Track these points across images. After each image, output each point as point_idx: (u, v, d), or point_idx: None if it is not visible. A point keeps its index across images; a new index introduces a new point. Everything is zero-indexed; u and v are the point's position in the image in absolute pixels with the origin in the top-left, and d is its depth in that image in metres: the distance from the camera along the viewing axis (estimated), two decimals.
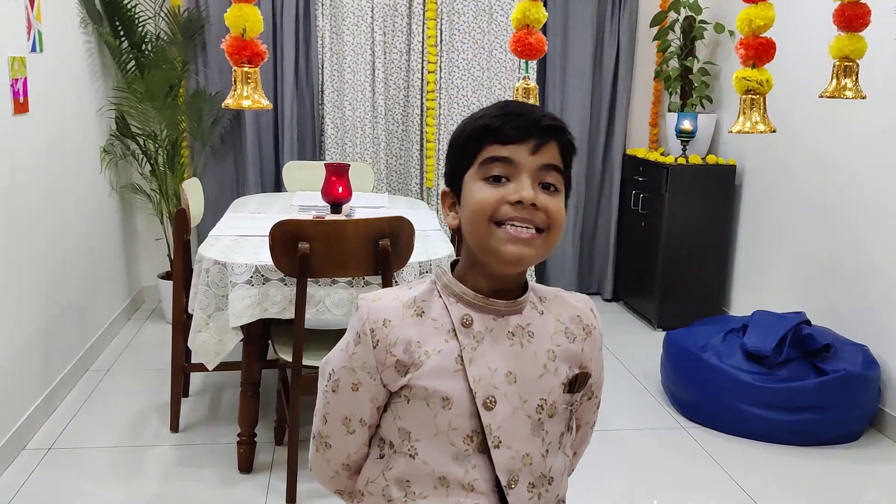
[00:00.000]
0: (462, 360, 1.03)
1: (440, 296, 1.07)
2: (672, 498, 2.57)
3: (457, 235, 1.11)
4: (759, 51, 1.64)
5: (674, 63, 4.33)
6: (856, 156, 3.20)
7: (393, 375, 1.05)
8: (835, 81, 1.72)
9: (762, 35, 1.64)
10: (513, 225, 1.00)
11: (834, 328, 3.20)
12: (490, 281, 1.05)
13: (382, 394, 1.07)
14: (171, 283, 3.94)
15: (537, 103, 1.43)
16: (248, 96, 1.60)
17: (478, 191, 1.01)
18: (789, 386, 2.88)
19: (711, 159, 4.12)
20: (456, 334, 1.04)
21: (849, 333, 3.16)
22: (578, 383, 1.10)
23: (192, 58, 4.16)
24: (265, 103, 1.60)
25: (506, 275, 1.05)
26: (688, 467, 2.77)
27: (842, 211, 3.29)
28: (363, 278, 2.47)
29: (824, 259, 3.41)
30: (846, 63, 1.70)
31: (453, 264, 1.12)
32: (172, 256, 4.08)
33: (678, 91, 4.32)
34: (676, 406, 3.21)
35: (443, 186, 1.10)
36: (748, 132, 1.70)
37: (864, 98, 1.69)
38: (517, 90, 1.45)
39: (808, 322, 3.08)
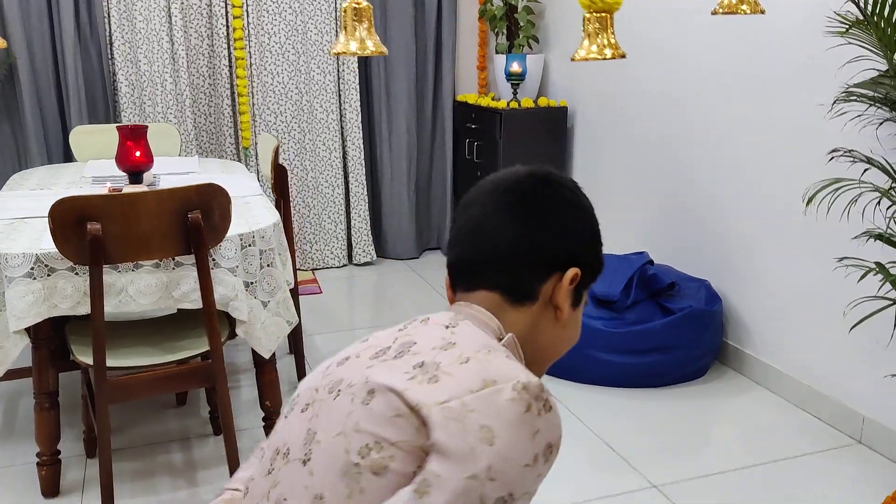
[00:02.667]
0: None
1: None
2: None
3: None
4: None
5: (498, 1, 4.14)
6: (687, 93, 3.17)
7: None
8: None
9: None
10: None
11: (675, 266, 3.20)
12: None
13: None
14: None
15: (373, 31, 1.13)
16: None
17: (579, 319, 1.01)
18: (638, 329, 2.83)
19: (543, 102, 4.01)
20: None
21: (689, 270, 3.17)
22: None
23: None
24: None
25: None
26: None
27: (674, 148, 3.26)
28: (173, 259, 2.10)
29: (660, 197, 3.39)
30: None
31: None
32: None
33: (504, 31, 4.16)
34: None
35: (573, 269, 0.95)
36: (595, 58, 1.49)
37: (762, 12, 1.54)
38: (346, 11, 1.12)
39: (651, 262, 3.04)
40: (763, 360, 2.88)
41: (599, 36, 1.30)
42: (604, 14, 1.26)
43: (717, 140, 3.00)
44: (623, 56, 1.35)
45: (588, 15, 1.28)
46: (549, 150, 3.99)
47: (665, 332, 2.83)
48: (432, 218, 4.57)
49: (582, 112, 3.93)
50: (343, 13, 1.10)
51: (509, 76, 3.94)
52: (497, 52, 4.21)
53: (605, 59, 1.28)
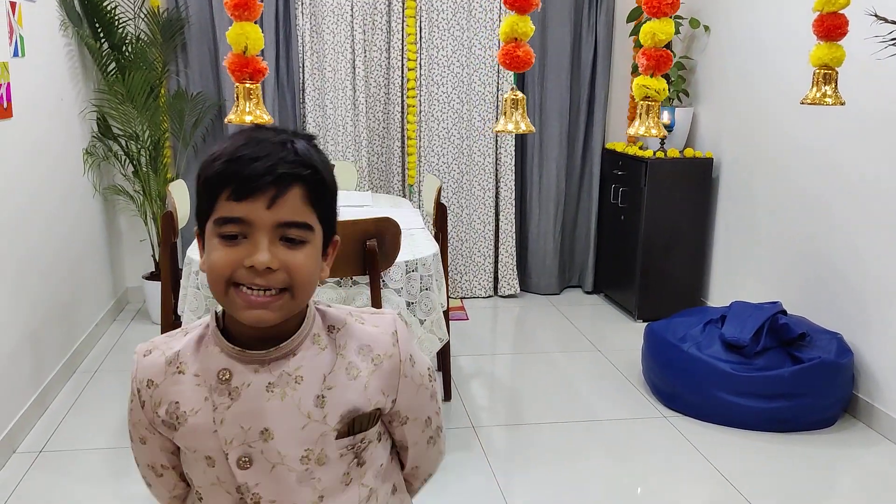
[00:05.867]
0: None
1: (211, 342, 1.02)
2: (655, 485, 2.65)
3: None
4: (659, 62, 1.73)
5: None
6: (830, 148, 3.29)
7: (166, 431, 1.03)
8: (815, 89, 1.79)
9: (661, 48, 1.74)
10: (249, 288, 0.93)
11: (809, 317, 3.30)
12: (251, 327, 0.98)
13: (170, 444, 1.06)
14: (155, 283, 3.97)
15: (525, 115, 1.48)
16: (251, 111, 1.64)
17: (213, 250, 0.94)
18: (766, 374, 2.96)
19: (689, 153, 4.20)
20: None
21: (823, 322, 3.26)
22: (361, 423, 1.03)
23: (173, 58, 4.17)
24: (266, 118, 1.65)
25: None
26: (669, 455, 2.85)
27: (816, 202, 3.38)
28: (351, 278, 2.51)
29: (799, 249, 3.50)
30: (826, 71, 1.77)
31: None
32: (159, 258, 4.10)
33: None
34: (658, 395, 3.29)
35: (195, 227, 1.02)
36: (643, 135, 1.79)
37: (843, 104, 1.77)
38: (506, 101, 1.50)
39: (783, 312, 3.17)
40: (892, 416, 2.93)
41: (648, 119, 1.59)
42: (653, 102, 1.56)
43: (856, 197, 3.11)
44: (663, 137, 1.63)
45: (640, 102, 1.58)
46: (692, 198, 4.17)
47: (793, 380, 2.95)
48: (575, 257, 4.83)
49: (728, 163, 4.09)
50: (504, 102, 1.45)
51: None
52: None
53: (651, 136, 1.56)
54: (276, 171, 0.91)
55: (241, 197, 0.91)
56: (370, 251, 2.40)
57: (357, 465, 1.05)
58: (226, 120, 1.70)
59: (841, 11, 1.79)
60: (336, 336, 1.04)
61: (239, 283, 0.93)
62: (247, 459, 1.00)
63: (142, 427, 1.06)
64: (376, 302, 2.45)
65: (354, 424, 1.02)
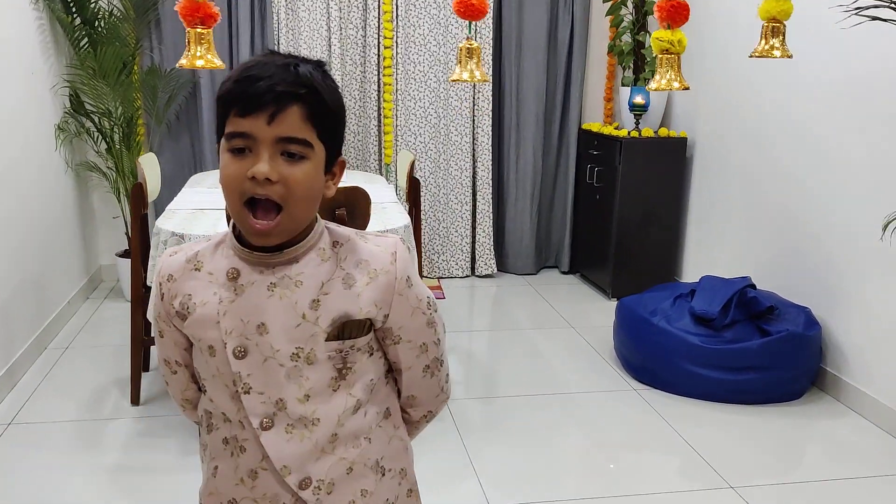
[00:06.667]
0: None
1: (227, 246, 1.12)
2: (625, 456, 2.67)
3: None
4: (672, 13, 1.73)
5: (627, 38, 4.41)
6: (802, 127, 3.32)
7: (178, 322, 1.13)
8: (763, 41, 1.81)
9: None
10: (256, 216, 1.02)
11: (778, 292, 3.33)
12: None
13: (183, 338, 1.16)
14: (129, 261, 3.94)
15: (480, 63, 1.48)
16: (202, 56, 1.65)
17: (225, 164, 1.03)
18: (734, 347, 2.99)
19: (663, 132, 4.22)
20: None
21: (792, 296, 3.29)
22: (351, 330, 1.10)
23: (146, 34, 4.13)
24: (218, 63, 1.65)
25: None
26: (639, 427, 2.88)
27: (788, 181, 3.41)
28: None
29: (769, 226, 3.53)
30: (773, 24, 1.79)
31: None
32: (130, 231, 4.07)
33: (631, 65, 4.41)
34: (628, 370, 3.32)
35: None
36: (664, 89, 1.79)
37: (790, 57, 1.78)
38: (461, 50, 1.50)
39: (752, 286, 3.20)
40: (859, 388, 2.97)
41: (668, 72, 1.59)
42: (671, 55, 1.56)
43: (827, 175, 3.14)
44: (687, 87, 1.63)
45: (659, 56, 1.58)
46: (666, 177, 4.20)
47: (761, 353, 2.98)
48: (552, 237, 4.85)
49: (701, 143, 4.12)
50: (459, 51, 1.45)
51: (632, 107, 4.19)
52: (623, 85, 4.47)
53: (673, 90, 1.56)
54: (275, 89, 0.99)
55: (245, 113, 1.00)
56: (339, 219, 2.40)
57: (344, 372, 1.12)
58: (177, 64, 1.72)
59: None
60: (339, 250, 1.12)
61: (249, 200, 1.01)
62: (242, 350, 1.09)
63: (161, 321, 1.16)
64: None
65: (345, 330, 1.10)
